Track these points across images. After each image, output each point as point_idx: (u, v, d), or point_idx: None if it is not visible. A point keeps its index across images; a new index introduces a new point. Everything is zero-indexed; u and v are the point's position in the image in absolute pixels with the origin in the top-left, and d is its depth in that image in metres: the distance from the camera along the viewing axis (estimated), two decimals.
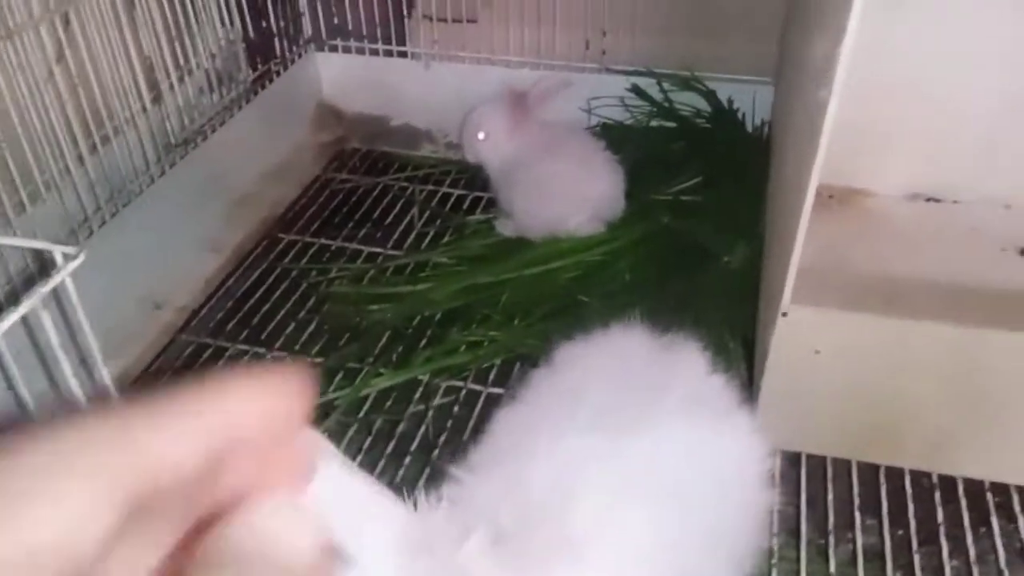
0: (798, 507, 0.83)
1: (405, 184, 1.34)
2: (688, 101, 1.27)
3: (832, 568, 0.77)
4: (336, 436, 0.93)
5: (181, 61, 1.12)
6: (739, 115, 1.26)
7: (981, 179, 1.13)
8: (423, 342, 1.02)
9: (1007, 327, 0.78)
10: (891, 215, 1.14)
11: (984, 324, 0.79)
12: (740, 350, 0.99)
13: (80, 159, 0.95)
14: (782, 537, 0.82)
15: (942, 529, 0.79)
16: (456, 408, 0.96)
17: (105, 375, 0.52)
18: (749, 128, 1.26)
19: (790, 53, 1.15)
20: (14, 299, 0.45)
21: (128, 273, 0.99)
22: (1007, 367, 0.79)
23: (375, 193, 1.32)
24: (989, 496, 0.81)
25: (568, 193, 1.11)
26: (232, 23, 1.21)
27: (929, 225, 1.12)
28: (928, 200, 1.16)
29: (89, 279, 0.92)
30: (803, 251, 0.77)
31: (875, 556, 0.79)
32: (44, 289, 0.43)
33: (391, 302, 1.07)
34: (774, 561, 0.78)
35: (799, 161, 0.80)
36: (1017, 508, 0.80)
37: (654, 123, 1.27)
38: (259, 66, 1.29)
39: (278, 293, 1.12)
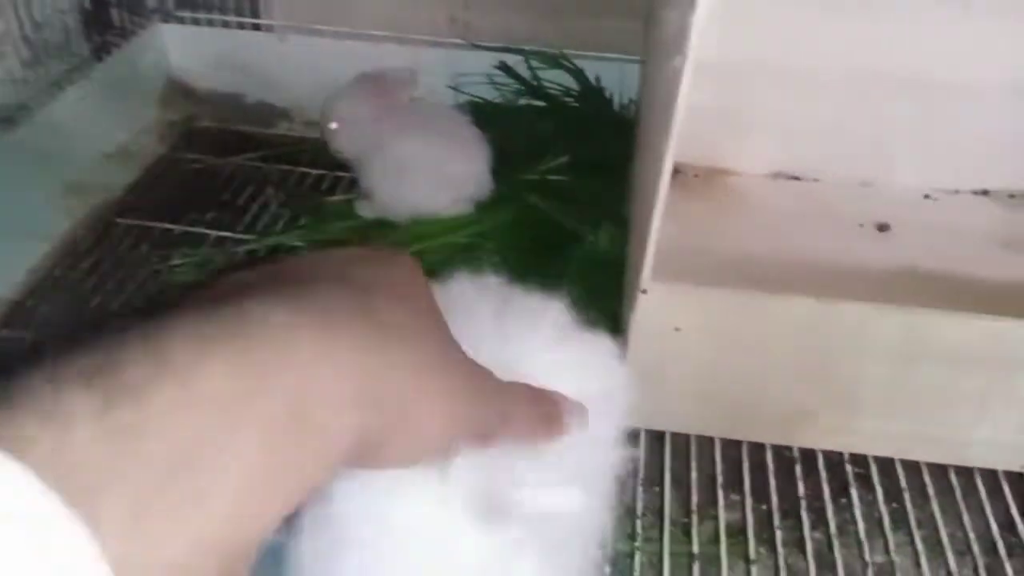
0: (662, 487, 0.81)
1: (259, 164, 1.25)
2: (557, 79, 1.25)
3: (695, 547, 0.75)
4: None
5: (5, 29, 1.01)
6: (607, 94, 1.24)
7: (839, 157, 1.15)
8: None
9: (860, 299, 0.79)
10: (754, 193, 1.15)
11: (839, 297, 0.79)
12: (607, 330, 0.97)
13: None
14: (647, 519, 0.79)
15: (803, 502, 0.79)
16: None
17: None
18: (616, 107, 1.24)
19: (654, 31, 1.14)
20: None
21: None
22: (859, 339, 0.79)
23: (226, 174, 1.24)
24: (848, 468, 0.82)
25: (432, 173, 1.07)
26: None
27: (790, 203, 1.13)
28: (790, 178, 1.17)
29: None
30: (666, 230, 0.75)
31: (738, 532, 0.77)
32: None
33: None
34: (638, 544, 0.75)
35: (658, 137, 0.78)
36: (875, 479, 0.81)
37: (522, 102, 1.23)
38: (95, 37, 1.18)
39: (112, 283, 1.02)
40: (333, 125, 1.07)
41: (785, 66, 1.08)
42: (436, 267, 0.97)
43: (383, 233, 1.06)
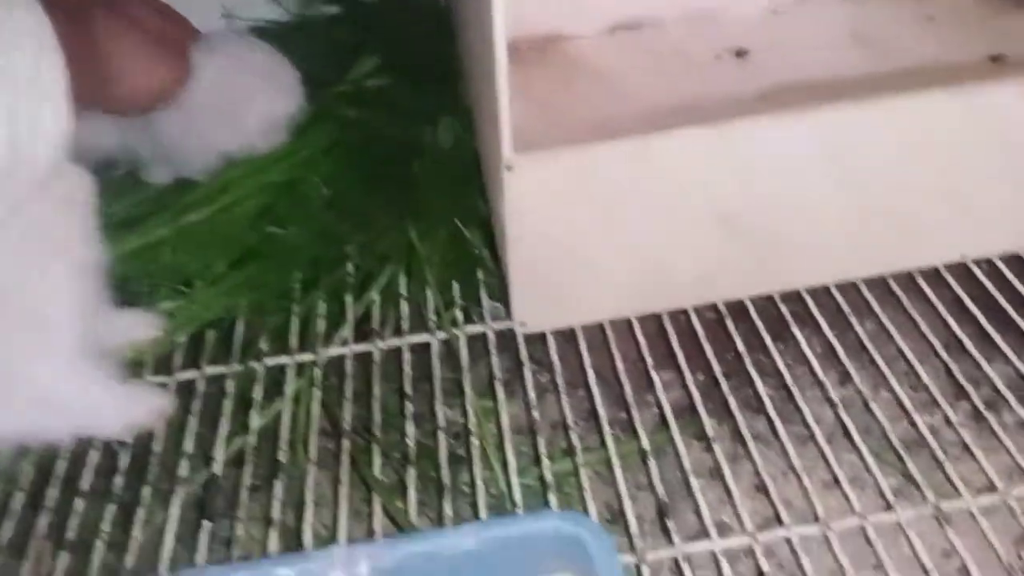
0: (588, 387, 0.68)
1: None
2: None
3: (644, 442, 0.63)
4: None
5: None
6: None
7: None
8: None
9: (746, 116, 0.68)
10: (597, 53, 1.02)
11: (721, 120, 0.68)
12: (479, 236, 0.83)
13: None
14: (581, 427, 0.67)
15: (746, 359, 0.68)
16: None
17: None
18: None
19: None
20: None
21: None
22: (753, 159, 0.68)
23: None
24: (783, 308, 0.71)
25: (228, 113, 0.87)
26: None
27: (638, 54, 1.01)
28: (631, 29, 1.05)
29: None
30: (514, 111, 0.62)
31: (684, 410, 0.66)
32: None
33: None
34: (580, 460, 0.62)
35: (483, 11, 0.63)
36: (814, 311, 0.71)
37: (311, 12, 1.05)
38: None
39: None
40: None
41: None
42: (258, 214, 0.81)
43: (188, 192, 0.86)
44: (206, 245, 0.82)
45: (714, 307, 0.72)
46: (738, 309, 0.72)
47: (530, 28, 1.02)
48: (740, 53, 0.97)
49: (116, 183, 0.92)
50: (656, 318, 0.72)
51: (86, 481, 0.66)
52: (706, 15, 1.05)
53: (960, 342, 0.66)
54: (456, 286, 0.79)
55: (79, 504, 0.65)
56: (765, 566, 0.54)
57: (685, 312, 0.72)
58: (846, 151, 0.69)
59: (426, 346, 0.73)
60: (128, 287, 0.79)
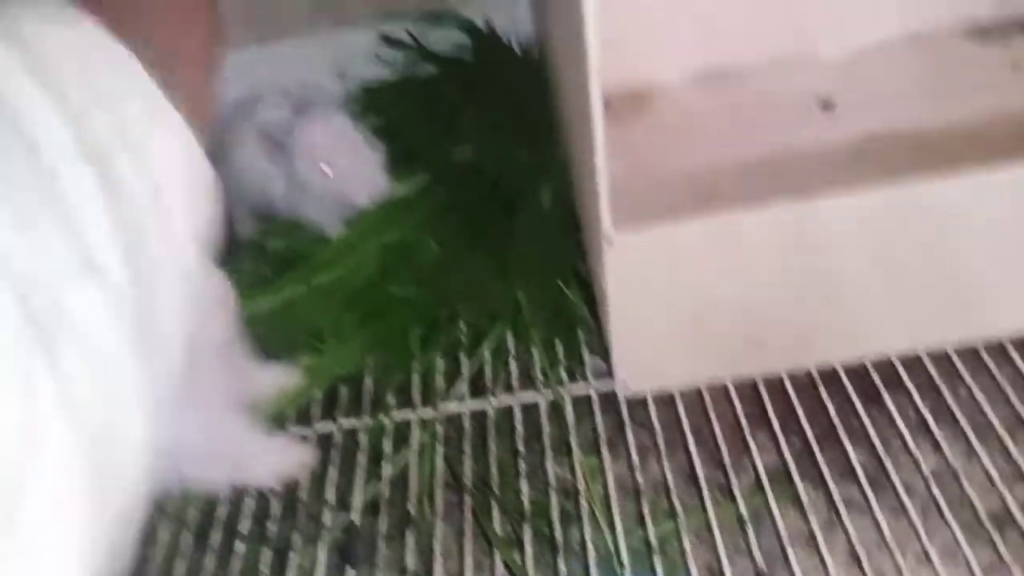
0: (687, 450, 0.74)
1: None
2: (448, 38, 1.14)
3: (742, 505, 0.69)
4: None
5: None
6: (504, 40, 1.13)
7: (759, 40, 1.07)
8: None
9: (830, 190, 0.71)
10: (685, 104, 1.06)
11: (807, 192, 0.72)
12: (579, 293, 0.89)
13: None
14: (680, 488, 0.73)
15: (838, 424, 0.73)
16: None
17: None
18: (519, 51, 1.14)
19: None
20: None
21: None
22: (841, 234, 0.72)
23: None
24: (874, 375, 0.75)
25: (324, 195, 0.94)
26: None
27: (726, 102, 1.05)
28: (718, 77, 1.09)
29: None
30: (610, 167, 0.67)
31: (780, 475, 0.71)
32: None
33: None
34: (681, 522, 0.68)
35: (578, 73, 0.69)
36: (905, 378, 0.74)
37: (415, 72, 1.12)
38: None
39: None
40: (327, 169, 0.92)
41: None
42: (379, 274, 0.88)
43: (314, 252, 0.95)
44: (335, 304, 0.90)
45: (807, 372, 0.77)
46: (830, 375, 0.76)
47: (620, 81, 1.07)
48: (827, 105, 1.00)
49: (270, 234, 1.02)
50: (751, 383, 0.77)
51: (244, 526, 0.76)
52: (790, 61, 1.07)
53: None
54: (559, 344, 0.85)
55: (239, 547, 0.74)
56: None
57: (779, 377, 0.77)
58: (935, 222, 0.72)
59: (535, 406, 0.80)
60: (269, 343, 0.88)
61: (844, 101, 1.00)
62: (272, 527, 0.76)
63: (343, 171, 0.91)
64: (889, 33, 1.07)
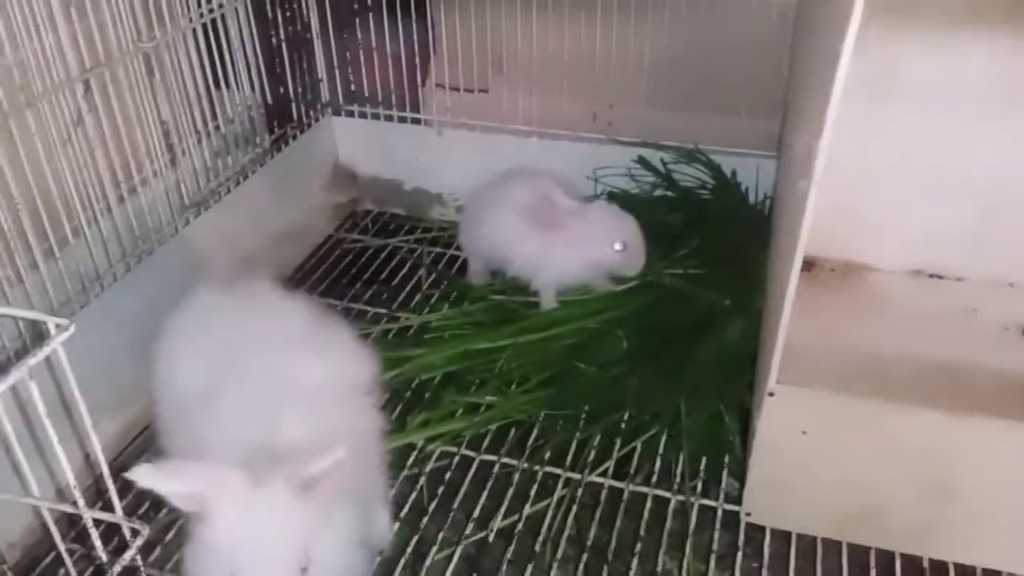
0: None
1: (414, 246, 1.37)
2: (693, 173, 1.30)
3: None
4: None
5: (200, 125, 1.16)
6: (742, 188, 1.27)
7: (984, 257, 1.13)
8: (420, 405, 1.04)
9: (991, 412, 0.77)
10: (891, 290, 1.14)
11: (965, 410, 0.78)
12: (735, 424, 0.99)
13: (97, 216, 0.99)
14: None
15: None
16: (449, 474, 0.97)
17: (96, 445, 0.54)
18: (752, 201, 1.27)
19: (790, 130, 1.17)
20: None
21: (134, 330, 1.01)
22: (989, 453, 0.78)
23: (384, 254, 1.36)
24: None
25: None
26: (253, 88, 1.26)
27: (929, 302, 1.12)
28: (931, 276, 1.16)
29: (97, 334, 0.96)
30: (798, 325, 0.78)
31: None
32: (32, 361, 0.45)
33: (394, 366, 1.08)
34: None
35: (788, 244, 0.81)
36: None
37: (658, 193, 1.29)
38: (276, 129, 1.33)
39: None
40: (619, 246, 1.13)
41: (926, 168, 1.08)
42: (572, 348, 1.03)
43: (522, 314, 1.13)
44: (529, 362, 1.07)
45: (919, 559, 0.83)
46: (941, 570, 0.81)
47: (837, 250, 1.16)
48: None
49: (478, 289, 1.22)
50: (864, 550, 0.84)
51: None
52: (1009, 284, 1.12)
53: None
54: (704, 460, 0.96)
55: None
56: None
57: (892, 554, 0.83)
58: None
59: (666, 500, 0.92)
60: (465, 378, 1.06)
61: None
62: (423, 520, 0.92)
63: (629, 248, 1.12)
64: None
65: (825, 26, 0.79)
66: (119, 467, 0.93)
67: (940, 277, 1.16)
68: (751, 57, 1.22)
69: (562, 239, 1.12)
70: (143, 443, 1.02)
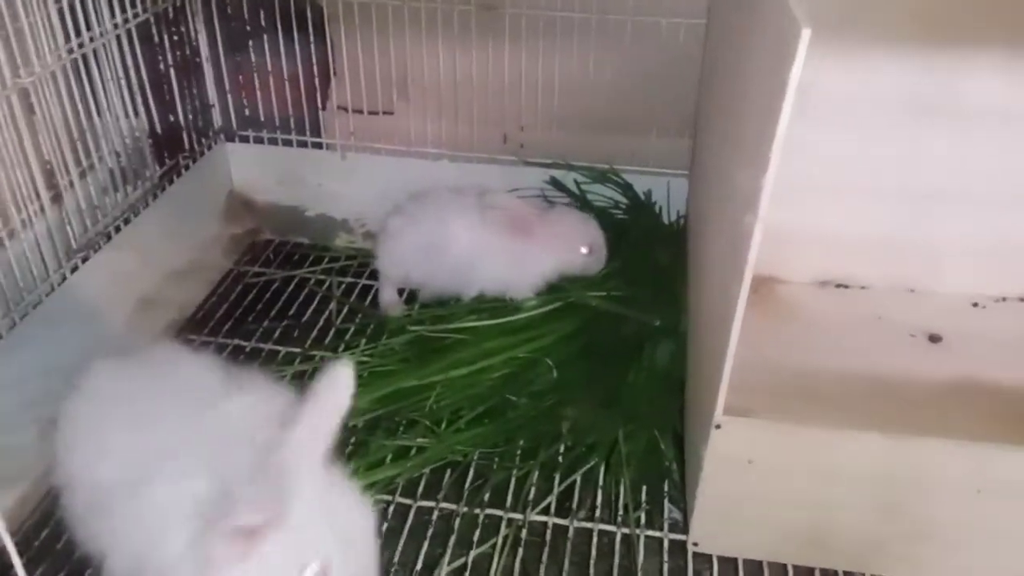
0: None
1: (322, 277, 1.30)
2: (606, 193, 1.29)
3: None
4: None
5: (83, 159, 1.06)
6: (655, 207, 1.28)
7: (886, 265, 1.18)
8: (346, 451, 0.98)
9: (926, 433, 0.79)
10: (802, 302, 1.17)
11: (906, 433, 0.80)
12: (671, 451, 0.99)
13: None
14: None
15: None
16: (385, 524, 0.92)
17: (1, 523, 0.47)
18: (666, 220, 1.28)
19: (703, 149, 1.18)
20: None
21: (23, 392, 0.91)
22: (929, 473, 0.80)
23: (291, 287, 1.28)
24: None
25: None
26: (138, 116, 1.16)
27: (840, 311, 1.16)
28: (837, 286, 1.20)
29: None
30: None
31: None
32: None
33: None
34: None
35: (724, 272, 0.81)
36: None
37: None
38: (167, 160, 1.24)
39: None
40: (585, 249, 1.16)
41: (833, 180, 1.12)
42: (503, 380, 1.00)
43: (446, 345, 1.09)
44: (460, 397, 1.04)
45: (861, 575, 0.85)
46: None
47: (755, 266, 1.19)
48: (934, 338, 1.10)
49: (396, 321, 1.17)
50: (809, 571, 0.85)
51: None
52: (910, 290, 1.18)
53: None
54: (644, 489, 0.96)
55: None
56: None
57: (835, 573, 0.85)
58: (1004, 484, 0.80)
59: (611, 534, 0.91)
60: (392, 420, 1.02)
61: (951, 340, 1.10)
62: None
63: (593, 250, 1.16)
64: (1014, 291, 1.17)
65: (753, 51, 0.80)
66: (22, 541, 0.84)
67: (846, 286, 1.21)
68: (661, 76, 1.22)
69: (534, 247, 1.13)
70: (41, 517, 0.92)
